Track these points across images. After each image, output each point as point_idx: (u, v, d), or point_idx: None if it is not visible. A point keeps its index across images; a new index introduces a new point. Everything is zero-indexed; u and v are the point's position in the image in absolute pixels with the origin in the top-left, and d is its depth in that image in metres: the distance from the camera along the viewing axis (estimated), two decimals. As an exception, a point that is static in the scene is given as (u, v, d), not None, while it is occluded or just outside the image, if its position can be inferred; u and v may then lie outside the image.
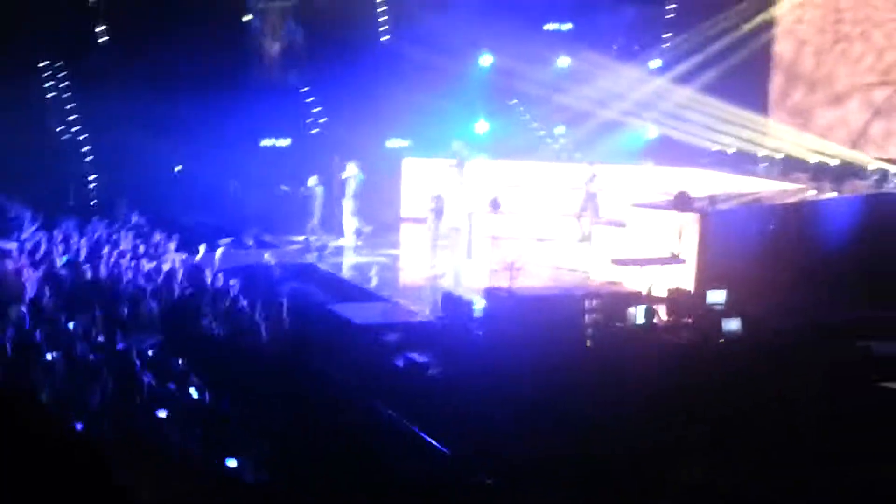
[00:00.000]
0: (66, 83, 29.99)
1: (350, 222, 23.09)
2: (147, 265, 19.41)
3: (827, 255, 19.23)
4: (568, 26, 31.20)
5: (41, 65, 29.98)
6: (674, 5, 29.17)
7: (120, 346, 14.25)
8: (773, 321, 16.56)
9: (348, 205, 23.07)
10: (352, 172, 23.09)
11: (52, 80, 30.02)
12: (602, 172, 22.10)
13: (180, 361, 14.12)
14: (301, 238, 22.99)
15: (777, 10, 28.33)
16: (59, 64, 30.09)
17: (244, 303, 16.79)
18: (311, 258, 21.84)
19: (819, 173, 24.53)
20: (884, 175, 23.89)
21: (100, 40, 30.77)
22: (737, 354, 15.38)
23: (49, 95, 29.81)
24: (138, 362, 13.67)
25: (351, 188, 23.09)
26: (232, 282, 18.18)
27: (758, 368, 14.86)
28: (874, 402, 13.83)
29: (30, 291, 17.11)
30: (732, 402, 13.98)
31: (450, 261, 21.21)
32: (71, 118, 29.44)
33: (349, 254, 22.52)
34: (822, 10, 27.69)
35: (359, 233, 23.00)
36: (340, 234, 23.34)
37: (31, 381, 12.64)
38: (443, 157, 24.97)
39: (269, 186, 23.26)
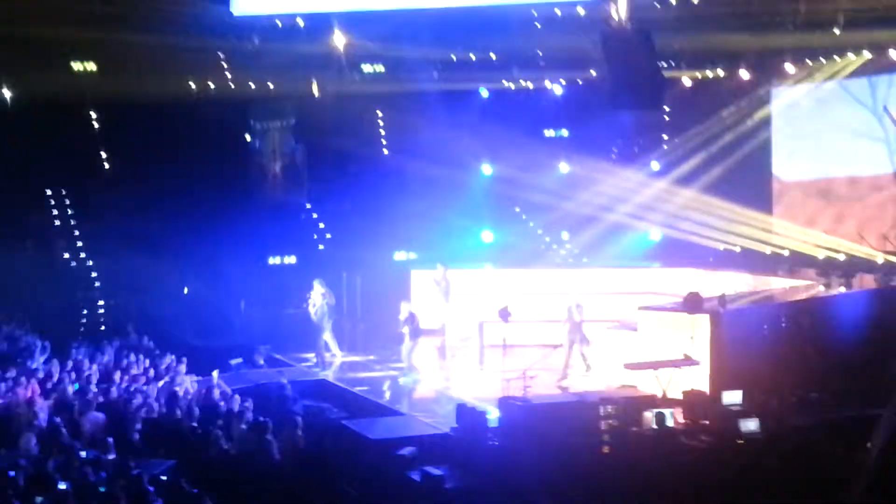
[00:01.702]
0: (71, 210, 30.27)
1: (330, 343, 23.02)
2: (158, 388, 19.37)
3: (840, 351, 19.12)
4: (566, 133, 31.54)
5: (48, 193, 30.31)
6: (669, 108, 29.43)
7: (134, 472, 14.08)
8: (791, 420, 16.40)
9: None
10: (318, 292, 22.97)
11: (58, 208, 30.31)
12: (586, 302, 21.73)
13: (194, 485, 13.96)
14: (311, 355, 22.93)
15: (774, 106, 28.59)
16: (64, 192, 30.42)
17: (257, 422, 16.66)
18: (323, 374, 21.78)
19: (827, 269, 24.52)
20: (892, 269, 23.89)
21: (104, 167, 31.13)
22: (757, 455, 15.19)
23: (56, 223, 30.06)
24: (152, 488, 13.51)
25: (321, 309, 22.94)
26: (244, 402, 18.10)
27: (779, 468, 14.70)
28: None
29: (42, 420, 17.02)
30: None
31: (460, 370, 21.16)
32: (78, 244, 29.64)
33: (361, 368, 22.45)
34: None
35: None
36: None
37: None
38: (450, 268, 25.13)
39: (277, 305, 23.27)
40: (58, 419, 17.07)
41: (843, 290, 22.38)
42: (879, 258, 24.76)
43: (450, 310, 23.32)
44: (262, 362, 22.85)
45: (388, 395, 20.26)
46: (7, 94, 28.42)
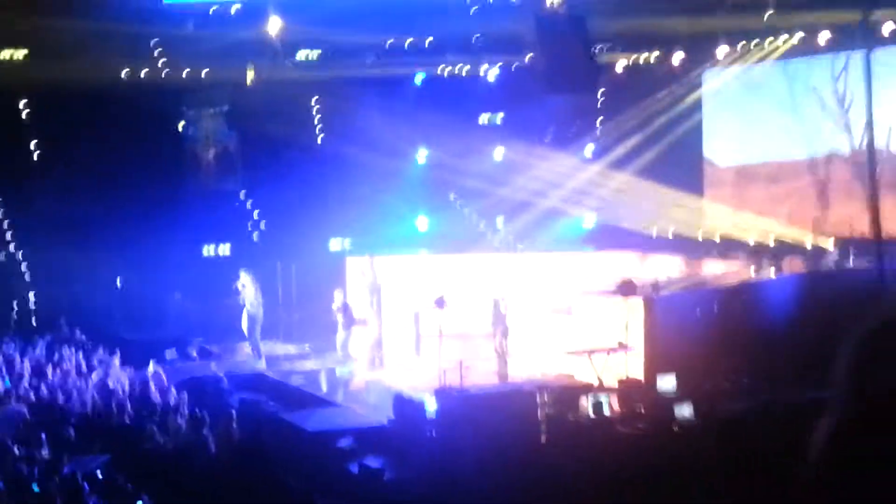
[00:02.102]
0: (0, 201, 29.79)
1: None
2: (91, 382, 19.15)
3: (772, 336, 19.35)
4: (500, 118, 31.58)
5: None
6: (603, 92, 29.56)
7: (68, 468, 13.93)
8: (723, 405, 16.58)
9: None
10: (248, 282, 22.80)
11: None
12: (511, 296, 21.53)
13: (129, 480, 13.84)
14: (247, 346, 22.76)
15: (706, 90, 28.80)
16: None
17: (193, 416, 16.55)
18: (259, 366, 21.65)
19: (758, 252, 24.80)
20: (822, 252, 24.21)
21: (33, 155, 30.66)
22: (691, 440, 15.35)
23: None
24: (86, 484, 13.38)
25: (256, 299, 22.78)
26: (179, 395, 17.97)
27: (713, 454, 14.86)
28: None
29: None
30: (689, 490, 13.95)
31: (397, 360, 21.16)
32: (6, 236, 29.17)
33: (297, 359, 22.35)
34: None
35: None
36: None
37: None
38: (383, 254, 25.17)
39: (211, 296, 23.06)
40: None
41: (773, 273, 22.66)
42: (809, 242, 25.06)
43: (376, 301, 23.16)
44: (194, 354, 22.67)
45: (324, 386, 20.18)
46: (-67, 81, 27.90)
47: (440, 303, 19.94)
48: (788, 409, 16.32)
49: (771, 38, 26.28)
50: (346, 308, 21.73)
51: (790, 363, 18.04)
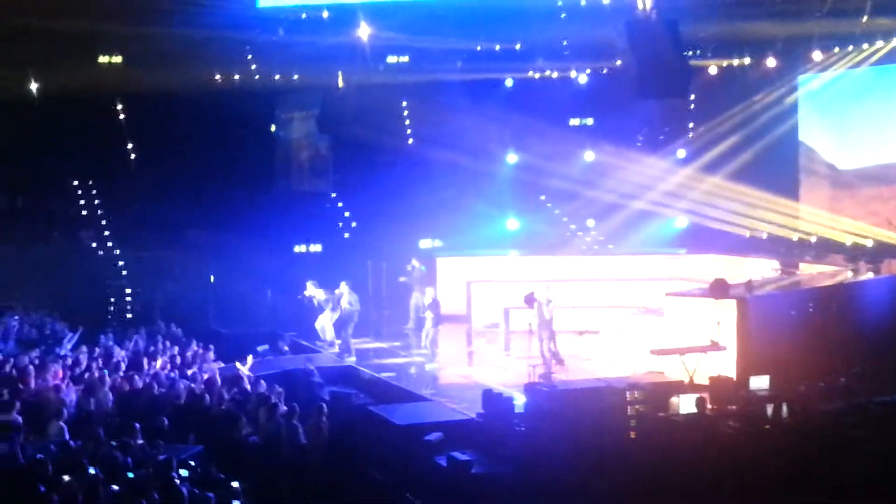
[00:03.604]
0: (98, 200, 30.46)
1: (329, 332, 23.02)
2: (186, 375, 19.45)
3: (867, 337, 19.03)
4: (591, 122, 31.52)
5: (75, 183, 30.49)
6: (695, 97, 29.34)
7: (162, 457, 14.13)
8: (818, 405, 16.31)
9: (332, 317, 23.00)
10: (347, 291, 22.99)
11: (85, 199, 30.49)
12: (556, 294, 20.98)
13: (221, 470, 14.01)
14: (338, 341, 22.92)
15: (801, 93, 28.45)
16: (91, 182, 30.60)
17: (283, 408, 16.70)
18: (350, 361, 21.80)
19: (855, 254, 24.40)
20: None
21: (130, 158, 31.31)
22: (784, 440, 15.12)
23: (83, 213, 30.24)
24: (179, 473, 13.55)
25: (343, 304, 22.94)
26: (271, 388, 18.14)
27: (807, 454, 14.64)
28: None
29: (69, 406, 17.11)
30: (783, 489, 13.76)
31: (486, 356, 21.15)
32: (105, 234, 29.81)
33: (386, 355, 22.45)
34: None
35: (331, 343, 22.93)
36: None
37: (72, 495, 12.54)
38: (475, 254, 25.31)
39: (304, 288, 23.28)
40: (86, 404, 17.18)
41: (870, 275, 22.27)
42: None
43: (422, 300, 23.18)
44: (286, 349, 22.89)
45: (414, 380, 20.26)
46: (35, 86, 28.59)
47: (530, 300, 19.91)
48: (884, 409, 16.05)
49: (868, 43, 25.89)
50: (435, 305, 21.80)
51: (886, 364, 17.74)
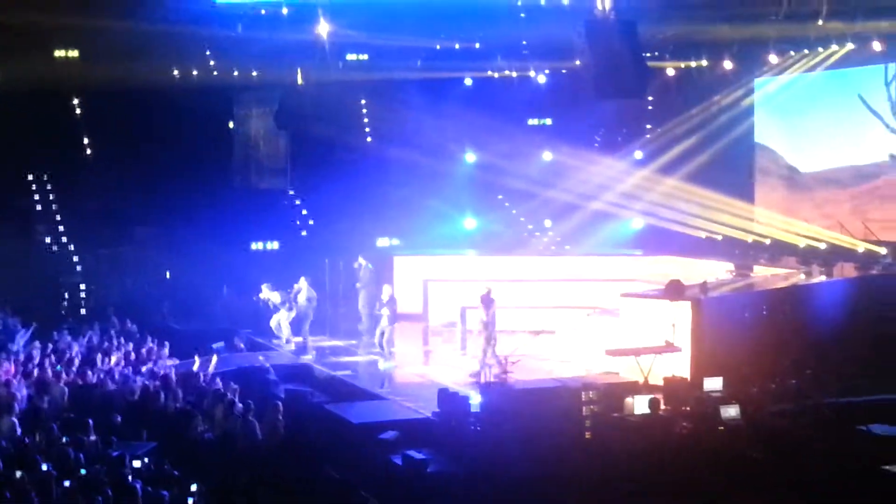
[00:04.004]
0: (53, 195, 30.21)
1: (285, 329, 23.04)
2: (140, 371, 19.36)
3: (820, 339, 19.22)
4: (549, 121, 31.63)
5: (29, 178, 30.22)
6: (652, 98, 29.50)
7: (115, 453, 14.06)
8: (771, 406, 16.47)
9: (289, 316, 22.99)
10: (303, 286, 22.98)
11: (39, 193, 30.22)
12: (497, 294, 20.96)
13: (176, 467, 13.95)
14: (298, 339, 22.86)
15: (757, 96, 28.69)
16: (46, 176, 30.34)
17: (239, 405, 16.65)
18: (306, 359, 21.77)
19: (808, 257, 24.62)
20: (873, 257, 24.00)
21: (86, 152, 31.07)
22: (736, 441, 15.26)
23: (38, 208, 29.98)
24: (132, 469, 13.49)
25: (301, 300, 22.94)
26: (226, 385, 18.09)
27: (758, 454, 14.78)
28: (880, 486, 13.69)
29: (21, 402, 16.97)
30: (736, 489, 13.88)
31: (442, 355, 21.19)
32: (59, 229, 29.58)
33: (342, 353, 22.43)
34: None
35: (287, 341, 22.93)
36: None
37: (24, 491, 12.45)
38: (430, 254, 25.35)
39: (259, 290, 23.23)
40: (38, 401, 17.06)
41: (823, 278, 22.49)
42: (860, 247, 24.86)
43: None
44: (242, 346, 22.83)
45: (369, 379, 20.25)
46: (-10, 79, 28.33)
47: (486, 300, 19.97)
48: (834, 410, 16.25)
49: (823, 46, 26.13)
50: (392, 302, 21.78)
51: (836, 366, 17.93)
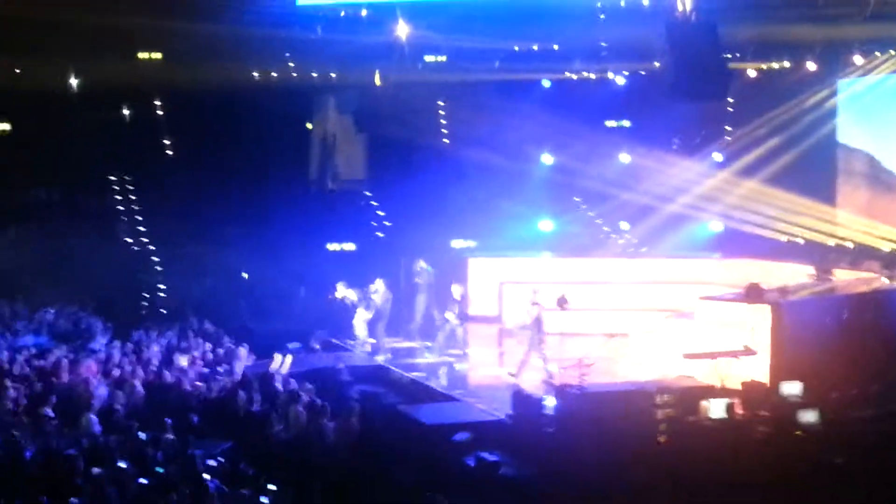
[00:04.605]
0: (134, 195, 30.67)
1: (362, 330, 23.07)
2: (218, 371, 19.57)
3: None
4: (627, 123, 31.41)
5: (111, 178, 30.72)
6: (733, 100, 29.16)
7: (191, 452, 14.22)
8: (850, 412, 16.20)
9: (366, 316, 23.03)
10: (380, 288, 23.02)
11: (121, 193, 30.71)
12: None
13: (251, 467, 14.07)
14: (372, 340, 22.93)
15: (840, 98, 28.23)
16: (127, 177, 30.82)
17: (315, 406, 16.75)
18: (380, 360, 21.82)
19: (891, 261, 24.15)
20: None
21: (167, 153, 31.51)
22: (815, 446, 15.03)
23: (119, 208, 30.46)
24: (208, 468, 13.63)
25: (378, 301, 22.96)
26: (301, 386, 18.20)
27: (838, 460, 14.56)
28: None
29: (100, 400, 17.25)
30: (813, 495, 13.68)
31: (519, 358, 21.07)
32: (140, 229, 30.01)
33: (419, 354, 22.44)
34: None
35: (364, 342, 22.96)
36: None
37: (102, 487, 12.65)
38: (508, 256, 25.26)
39: (335, 291, 23.32)
40: (117, 400, 17.32)
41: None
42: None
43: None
44: (317, 347, 22.94)
45: (443, 380, 20.25)
46: (74, 81, 28.82)
47: (561, 302, 19.87)
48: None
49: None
50: (461, 302, 21.73)
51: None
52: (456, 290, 21.98)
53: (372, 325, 22.82)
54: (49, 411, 16.32)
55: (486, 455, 14.97)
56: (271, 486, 12.97)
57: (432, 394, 18.96)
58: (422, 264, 23.93)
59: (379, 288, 22.80)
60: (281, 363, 20.08)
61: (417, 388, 19.57)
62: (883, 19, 24.30)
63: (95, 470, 13.16)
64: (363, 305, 22.83)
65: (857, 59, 26.59)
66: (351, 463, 15.33)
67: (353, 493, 14.13)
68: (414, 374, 20.49)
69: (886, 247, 25.63)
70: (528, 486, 14.51)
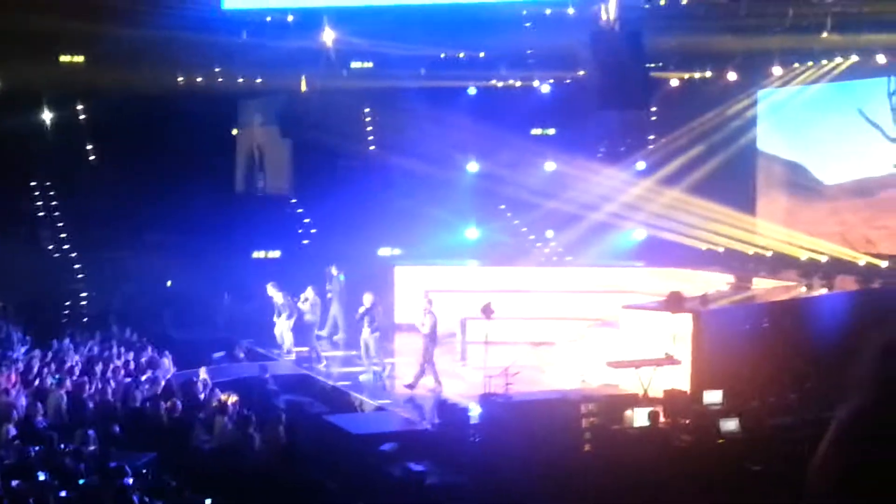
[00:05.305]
0: (56, 201, 30.22)
1: (287, 338, 23.06)
2: (140, 381, 19.35)
3: (819, 352, 19.17)
4: (553, 131, 31.60)
5: (33, 183, 30.24)
6: (656, 108, 29.48)
7: (114, 463, 14.06)
8: (769, 420, 16.45)
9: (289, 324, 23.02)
10: (310, 296, 22.99)
11: (42, 199, 30.24)
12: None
13: (174, 478, 13.96)
14: (305, 349, 22.83)
15: (760, 108, 28.68)
16: (49, 182, 30.36)
17: (240, 416, 16.65)
18: (321, 368, 21.76)
19: (809, 270, 24.60)
20: (874, 270, 23.98)
21: (90, 159, 31.09)
22: (736, 454, 15.25)
23: (41, 214, 30.00)
24: (131, 480, 13.48)
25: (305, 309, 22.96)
26: (225, 396, 18.07)
27: (757, 468, 14.77)
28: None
29: (20, 411, 16.98)
30: (731, 501, 13.87)
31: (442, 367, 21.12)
32: (62, 235, 29.58)
33: (344, 363, 22.39)
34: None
35: (289, 351, 22.95)
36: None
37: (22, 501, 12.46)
38: (434, 264, 25.30)
39: (260, 298, 23.23)
40: (37, 410, 17.06)
41: (824, 291, 22.46)
42: (862, 260, 24.84)
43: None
44: (242, 356, 22.80)
45: (369, 389, 20.22)
46: (-3, 85, 28.36)
47: (487, 310, 19.94)
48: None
49: (827, 59, 26.11)
50: (371, 310, 21.65)
51: (837, 380, 17.87)
52: (367, 299, 21.80)
53: (304, 334, 22.72)
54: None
55: (412, 465, 14.99)
56: (195, 498, 12.87)
57: (358, 403, 18.94)
58: (333, 271, 23.89)
59: (309, 296, 22.74)
60: (196, 369, 19.94)
61: (343, 398, 19.54)
62: (802, 31, 24.70)
63: (14, 482, 12.96)
64: (287, 312, 22.77)
65: (777, 70, 27.00)
66: (277, 473, 15.28)
67: (278, 503, 14.08)
68: (340, 383, 20.44)
69: (804, 255, 26.07)
70: (454, 495, 14.55)
